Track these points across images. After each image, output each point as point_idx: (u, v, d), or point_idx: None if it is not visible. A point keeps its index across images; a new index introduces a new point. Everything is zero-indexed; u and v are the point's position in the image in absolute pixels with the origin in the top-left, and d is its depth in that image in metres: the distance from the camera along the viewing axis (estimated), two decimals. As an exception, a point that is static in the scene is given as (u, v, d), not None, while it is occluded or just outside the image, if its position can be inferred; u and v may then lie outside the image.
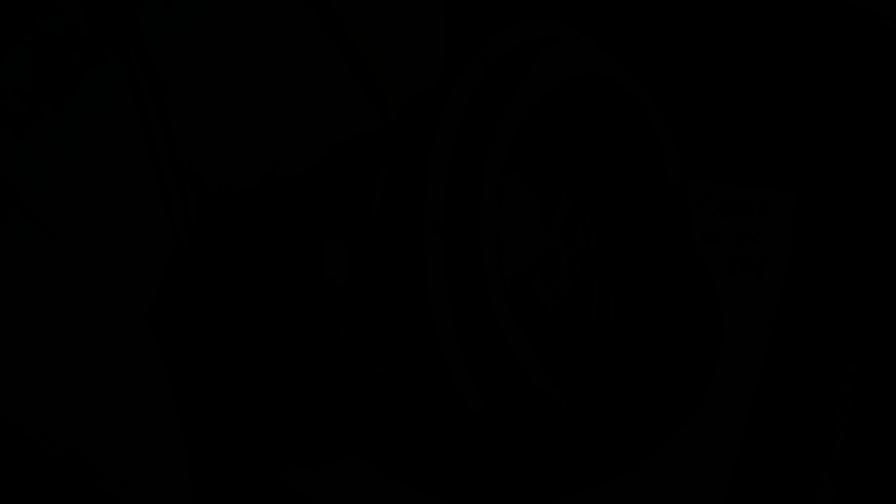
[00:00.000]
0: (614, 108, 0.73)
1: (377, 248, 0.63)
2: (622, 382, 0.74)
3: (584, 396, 0.68)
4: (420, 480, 0.78)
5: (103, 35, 0.72)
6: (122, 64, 0.73)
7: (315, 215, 0.70)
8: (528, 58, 0.66)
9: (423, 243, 0.59)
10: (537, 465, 0.67)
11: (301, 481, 0.78)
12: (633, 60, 0.76)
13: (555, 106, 0.68)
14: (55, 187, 0.67)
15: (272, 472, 0.79)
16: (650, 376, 0.74)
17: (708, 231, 0.86)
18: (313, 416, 0.78)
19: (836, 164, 0.97)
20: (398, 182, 0.63)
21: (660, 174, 0.77)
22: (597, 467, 0.72)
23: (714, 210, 0.88)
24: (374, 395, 0.76)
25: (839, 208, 0.95)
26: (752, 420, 0.79)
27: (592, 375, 0.75)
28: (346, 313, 0.71)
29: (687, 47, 0.98)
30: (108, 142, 0.71)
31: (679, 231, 0.78)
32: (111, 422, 0.69)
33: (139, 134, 0.73)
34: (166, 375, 0.74)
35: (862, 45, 0.88)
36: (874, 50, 0.87)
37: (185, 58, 0.77)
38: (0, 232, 0.64)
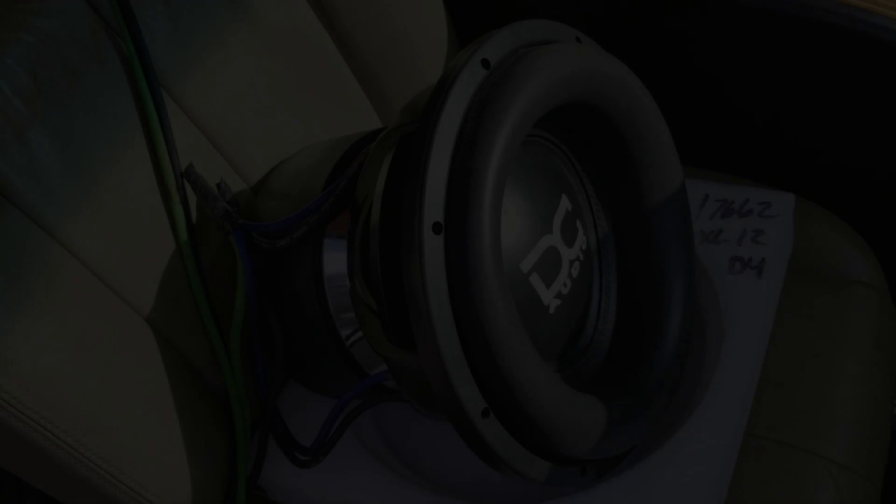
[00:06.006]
0: (614, 108, 0.73)
1: (377, 249, 0.63)
2: (621, 381, 0.74)
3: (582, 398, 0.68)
4: (421, 478, 0.78)
5: (103, 35, 0.72)
6: (122, 64, 0.73)
7: (315, 215, 0.70)
8: (528, 58, 0.66)
9: (422, 244, 0.59)
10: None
11: (300, 481, 0.78)
12: (633, 60, 0.76)
13: (554, 107, 0.68)
14: (55, 187, 0.67)
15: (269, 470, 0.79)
16: (649, 375, 0.74)
17: (708, 231, 0.86)
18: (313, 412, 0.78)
19: (836, 164, 0.97)
20: (398, 182, 0.63)
21: (660, 174, 0.77)
22: (595, 464, 0.72)
23: (714, 210, 0.88)
24: (373, 394, 0.76)
25: (839, 208, 0.95)
26: (752, 420, 0.79)
27: (592, 375, 0.75)
28: (346, 313, 0.71)
29: (687, 47, 0.98)
30: (107, 142, 0.71)
31: (679, 231, 0.78)
32: (111, 421, 0.69)
33: (139, 133, 0.73)
34: (166, 375, 0.74)
35: (862, 45, 0.88)
36: (874, 50, 0.87)
37: (185, 59, 0.77)
38: (0, 232, 0.64)
